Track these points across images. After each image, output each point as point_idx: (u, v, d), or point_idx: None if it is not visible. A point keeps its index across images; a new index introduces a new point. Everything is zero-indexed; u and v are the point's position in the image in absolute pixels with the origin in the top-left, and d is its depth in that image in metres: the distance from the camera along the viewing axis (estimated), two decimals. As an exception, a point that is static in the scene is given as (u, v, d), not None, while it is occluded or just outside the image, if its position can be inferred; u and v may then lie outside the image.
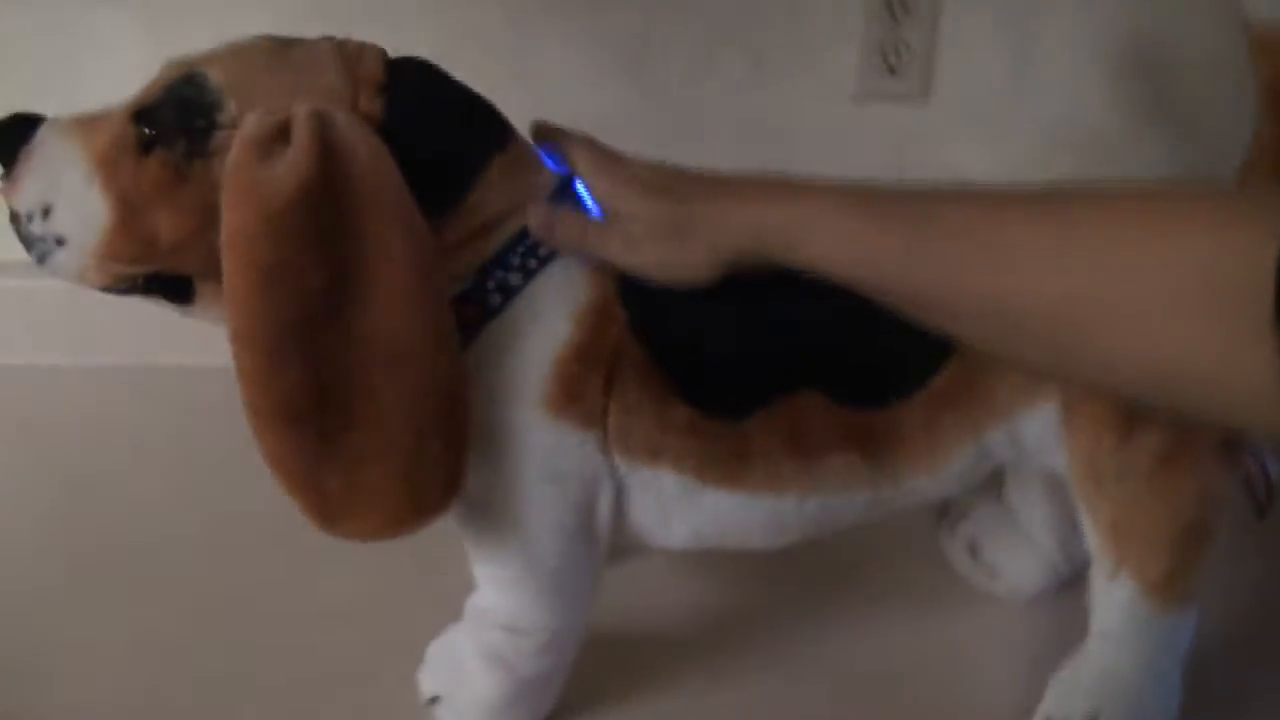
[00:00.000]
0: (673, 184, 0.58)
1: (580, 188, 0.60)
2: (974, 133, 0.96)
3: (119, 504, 0.83)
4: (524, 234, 0.57)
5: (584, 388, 0.56)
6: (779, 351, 0.58)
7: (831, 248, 0.53)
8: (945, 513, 0.77)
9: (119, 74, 0.57)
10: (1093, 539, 0.61)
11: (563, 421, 0.56)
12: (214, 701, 0.66)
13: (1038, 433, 0.59)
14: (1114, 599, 0.61)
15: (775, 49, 0.94)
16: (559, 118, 0.95)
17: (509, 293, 0.57)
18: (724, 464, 0.58)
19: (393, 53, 0.57)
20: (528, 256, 0.57)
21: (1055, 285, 0.46)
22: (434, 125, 0.55)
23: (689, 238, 0.56)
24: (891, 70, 0.93)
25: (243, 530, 0.55)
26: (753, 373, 0.58)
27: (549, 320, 0.56)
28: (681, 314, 0.58)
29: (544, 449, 0.56)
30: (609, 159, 0.60)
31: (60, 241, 0.55)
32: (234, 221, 0.51)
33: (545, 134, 0.61)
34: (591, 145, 0.60)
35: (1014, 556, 0.73)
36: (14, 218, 0.55)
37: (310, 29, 0.90)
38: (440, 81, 0.57)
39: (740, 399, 0.58)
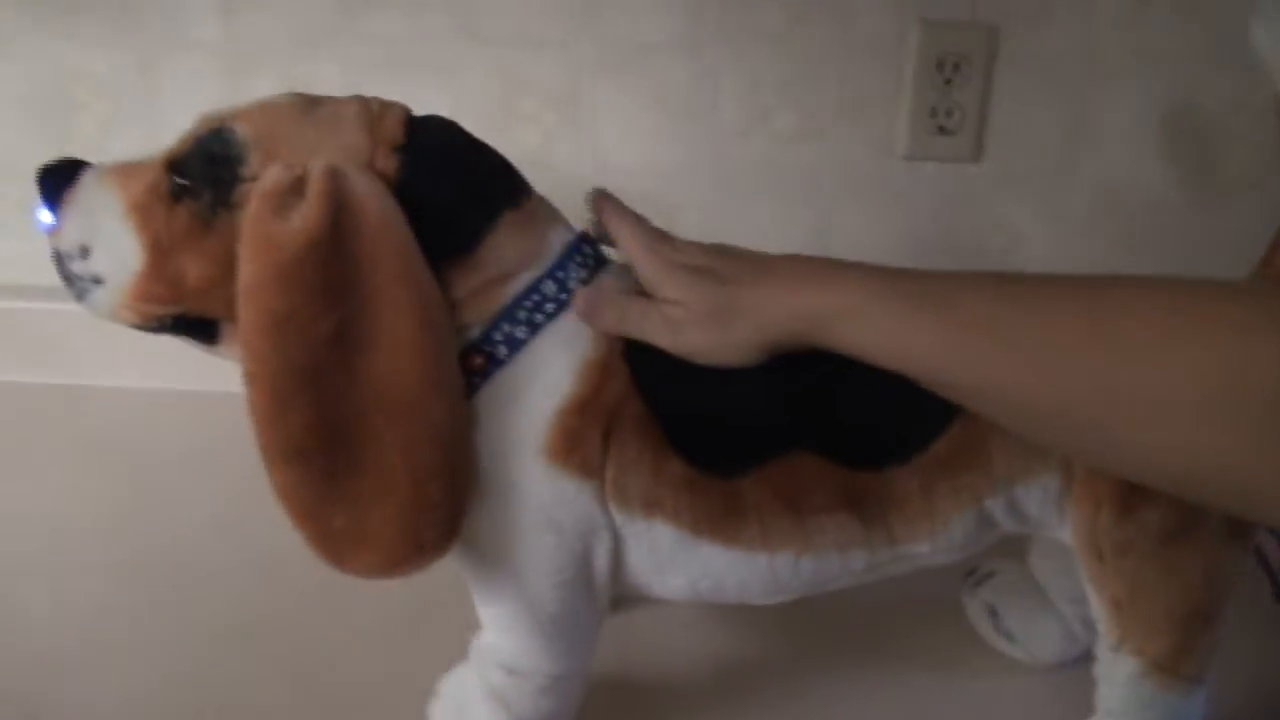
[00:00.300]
0: (717, 268, 0.59)
1: (594, 245, 0.62)
2: (1025, 195, 0.96)
3: (168, 521, 0.87)
4: (532, 289, 0.59)
5: (583, 440, 0.58)
6: (776, 412, 0.59)
7: (866, 336, 0.54)
8: (970, 573, 0.76)
9: (195, 113, 0.60)
10: (1096, 613, 0.60)
11: (562, 472, 0.58)
12: (226, 713, 0.69)
13: (1038, 503, 0.59)
14: (1117, 675, 0.60)
15: (826, 106, 0.95)
16: (612, 167, 0.98)
17: (515, 345, 0.58)
18: (718, 519, 0.58)
19: (451, 102, 0.60)
20: (534, 311, 0.59)
21: (1082, 382, 0.46)
22: (446, 183, 0.58)
23: (732, 323, 0.57)
24: (943, 130, 0.93)
25: (284, 555, 0.59)
26: (749, 432, 0.59)
27: (552, 373, 0.58)
28: (682, 372, 0.59)
29: (543, 498, 0.58)
30: (655, 240, 0.61)
31: (97, 281, 0.59)
32: (248, 270, 0.54)
33: (599, 204, 0.63)
34: (639, 224, 0.62)
35: (1034, 623, 0.72)
36: (55, 256, 0.59)
37: (375, 79, 0.95)
38: (457, 141, 0.60)
39: (735, 457, 0.58)
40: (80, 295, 0.59)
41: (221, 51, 0.98)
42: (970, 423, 0.58)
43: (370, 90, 0.60)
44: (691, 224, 0.99)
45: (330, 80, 0.94)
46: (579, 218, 0.63)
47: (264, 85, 0.59)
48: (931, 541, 0.60)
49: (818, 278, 0.56)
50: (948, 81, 0.92)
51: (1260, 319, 0.43)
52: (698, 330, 0.57)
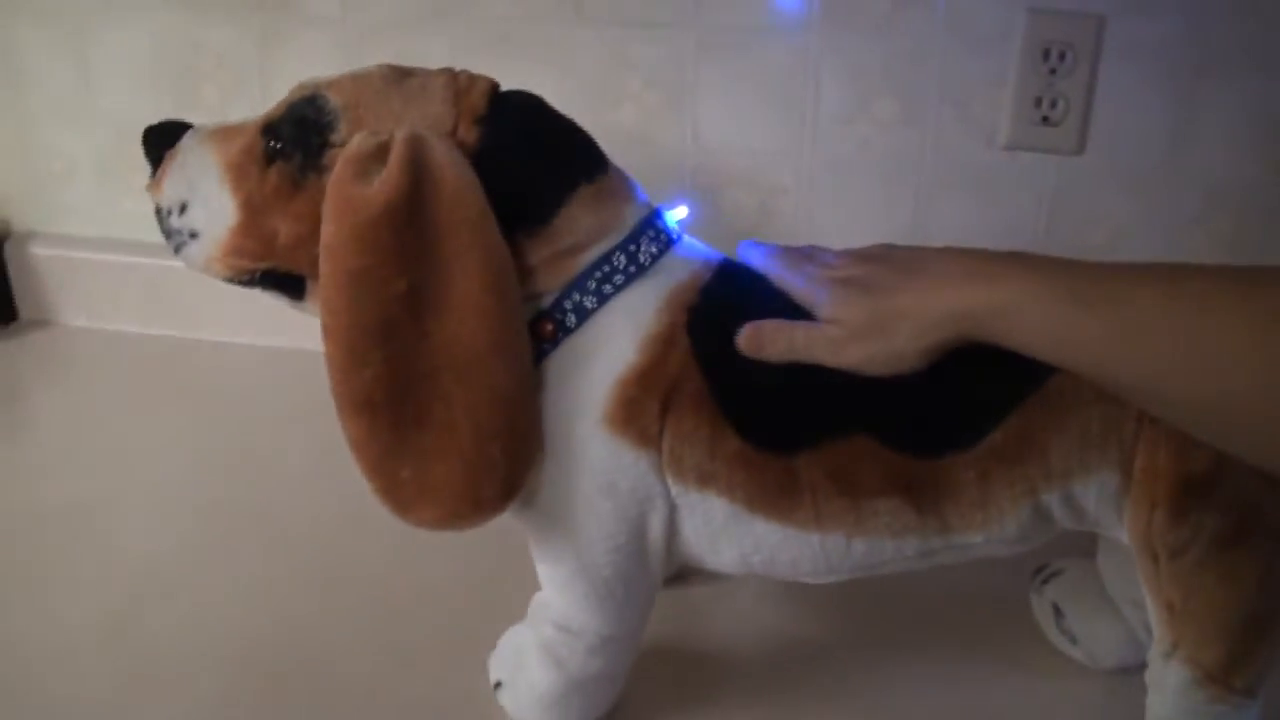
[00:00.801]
0: (868, 277, 0.59)
1: (665, 216, 0.63)
2: (1129, 189, 0.93)
3: (260, 471, 0.93)
4: (603, 260, 0.60)
5: (641, 410, 0.59)
6: (835, 394, 0.59)
7: (1033, 335, 0.54)
8: (1039, 570, 0.76)
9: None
10: (1151, 616, 0.59)
11: (620, 440, 0.59)
12: (305, 657, 0.72)
13: (1095, 500, 0.58)
14: (1168, 684, 0.59)
15: (928, 94, 0.94)
16: (712, 148, 0.99)
17: (583, 315, 0.60)
18: (772, 497, 0.59)
19: (556, 80, 0.61)
20: (604, 282, 0.60)
21: (1256, 379, 0.46)
22: (524, 155, 0.60)
23: (891, 333, 0.57)
24: (1046, 120, 0.92)
25: (367, 511, 0.62)
26: (807, 412, 0.60)
27: (616, 343, 0.60)
28: (744, 349, 0.60)
29: (601, 463, 0.60)
30: (799, 260, 0.63)
31: (194, 235, 0.62)
32: (329, 230, 0.56)
33: (749, 251, 0.65)
34: (781, 252, 0.64)
35: (1096, 625, 0.71)
36: (156, 211, 0.63)
37: (484, 57, 0.98)
38: (538, 115, 0.61)
39: (791, 436, 0.59)
40: (177, 248, 0.63)
41: (338, 28, 1.02)
42: (1028, 415, 0.57)
43: (478, 68, 0.62)
44: (788, 208, 1.00)
45: (440, 57, 0.97)
46: (676, 193, 0.64)
47: (377, 61, 0.62)
48: (985, 532, 0.60)
49: (977, 275, 0.55)
50: (1052, 71, 0.90)
51: None
52: (858, 344, 0.58)
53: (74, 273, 1.14)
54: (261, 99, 1.04)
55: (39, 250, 1.14)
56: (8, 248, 1.15)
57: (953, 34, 0.92)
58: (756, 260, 0.65)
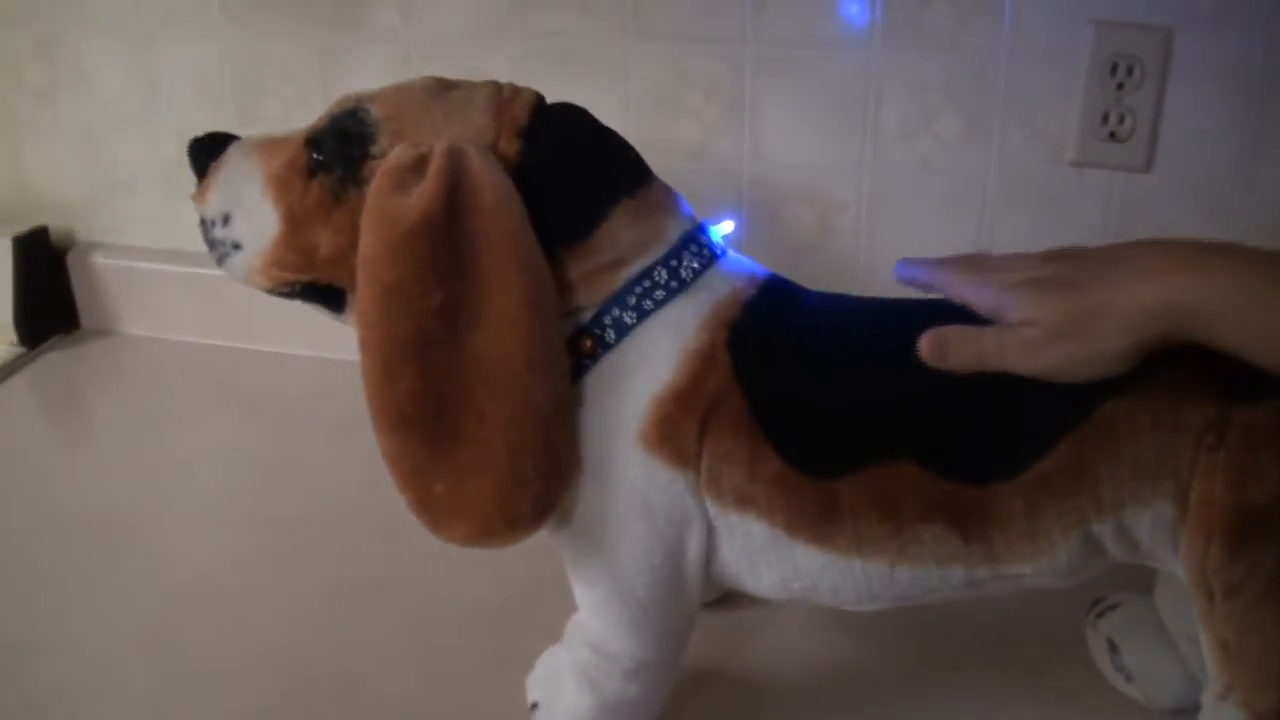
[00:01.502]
0: (1062, 274, 0.56)
1: (710, 231, 0.62)
2: (1199, 207, 0.90)
3: (310, 483, 0.93)
4: (644, 275, 0.59)
5: (678, 430, 0.58)
6: (879, 417, 0.58)
7: (1249, 331, 0.50)
8: (1095, 604, 0.73)
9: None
10: (1206, 655, 0.56)
11: (656, 459, 0.58)
12: (342, 672, 0.72)
13: (1149, 532, 0.56)
14: (1222, 725, 0.56)
15: (992, 109, 0.92)
16: (773, 162, 0.98)
17: (622, 330, 0.59)
18: (813, 521, 0.58)
19: (617, 95, 0.60)
20: (644, 298, 0.59)
21: None
22: (565, 168, 0.59)
23: (1093, 330, 0.53)
24: (1113, 136, 0.89)
25: (412, 526, 0.63)
26: (849, 435, 0.58)
27: (654, 361, 0.59)
28: (786, 369, 0.59)
29: (637, 483, 0.59)
30: (976, 267, 0.60)
31: (237, 246, 0.63)
32: (366, 242, 0.56)
33: (910, 267, 0.62)
34: (951, 262, 0.60)
35: (1153, 662, 0.68)
36: (201, 222, 0.63)
37: (541, 69, 0.98)
38: (581, 127, 0.61)
39: (833, 459, 0.57)
40: (220, 259, 0.64)
41: (400, 41, 1.02)
42: (1078, 443, 0.55)
43: (539, 83, 0.62)
44: (848, 224, 0.98)
45: (501, 71, 0.97)
46: (733, 208, 0.62)
47: (438, 74, 0.62)
48: (1035, 563, 0.57)
49: (1187, 266, 0.52)
50: (1120, 86, 0.87)
51: None
52: (1057, 346, 0.54)
53: (135, 283, 1.16)
54: (323, 112, 1.04)
55: (101, 260, 1.16)
56: (71, 257, 1.17)
57: (1018, 49, 0.90)
58: (919, 274, 0.61)
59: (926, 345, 0.56)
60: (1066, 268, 0.55)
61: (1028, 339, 0.54)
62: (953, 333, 0.56)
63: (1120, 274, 0.53)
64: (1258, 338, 0.49)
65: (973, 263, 0.60)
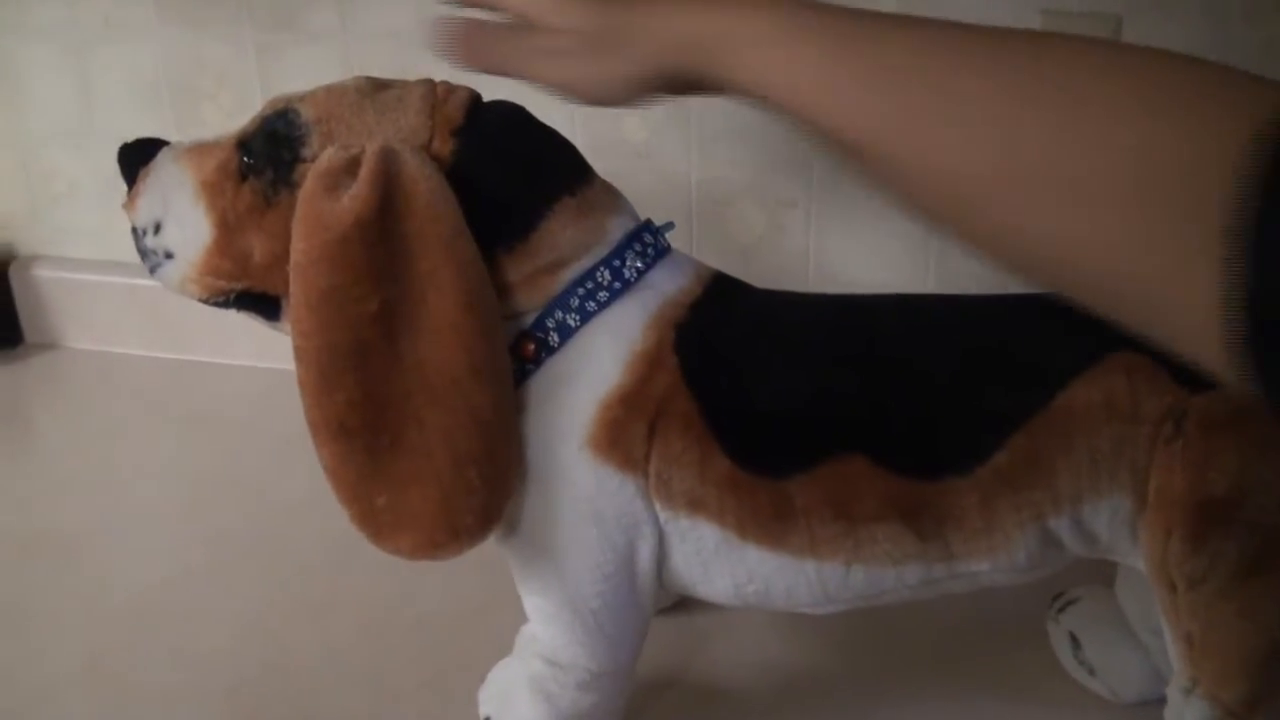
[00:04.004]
0: None
1: (654, 229, 0.61)
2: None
3: (259, 497, 0.91)
4: (587, 276, 0.58)
5: (626, 433, 0.56)
6: (829, 414, 0.57)
7: (768, 71, 0.47)
8: (1056, 598, 0.72)
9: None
10: (1170, 650, 0.56)
11: (604, 464, 0.57)
12: (293, 690, 0.70)
13: (1107, 525, 0.55)
14: (1187, 718, 0.55)
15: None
16: (717, 160, 0.95)
17: (566, 333, 0.58)
18: (765, 522, 0.56)
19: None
20: (587, 299, 0.58)
21: (992, 153, 0.41)
22: (501, 167, 0.57)
23: (616, 50, 0.51)
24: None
25: (358, 538, 0.62)
26: (799, 433, 0.57)
27: (599, 363, 0.57)
28: (734, 369, 0.57)
29: (585, 489, 0.57)
30: None
31: (169, 255, 0.61)
32: (298, 248, 0.54)
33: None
34: None
35: (1116, 656, 0.67)
36: (133, 230, 0.61)
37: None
38: (518, 125, 0.59)
39: (784, 458, 0.56)
40: (153, 269, 0.62)
41: (338, 41, 1.00)
42: (1033, 435, 0.54)
43: (478, 80, 0.60)
44: (797, 223, 0.97)
45: (440, 71, 0.95)
46: (682, 208, 0.60)
47: (378, 74, 0.60)
48: (992, 560, 0.56)
49: (728, 2, 0.48)
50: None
51: (1181, 97, 0.37)
52: (578, 60, 0.51)
53: (78, 296, 1.13)
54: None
55: (43, 273, 1.13)
56: (12, 271, 1.14)
57: (965, 39, 0.89)
58: None
59: (445, 37, 0.53)
60: None
61: (552, 47, 0.52)
62: (478, 33, 0.53)
63: (661, 2, 0.50)
64: (783, 79, 0.47)
65: None
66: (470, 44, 0.54)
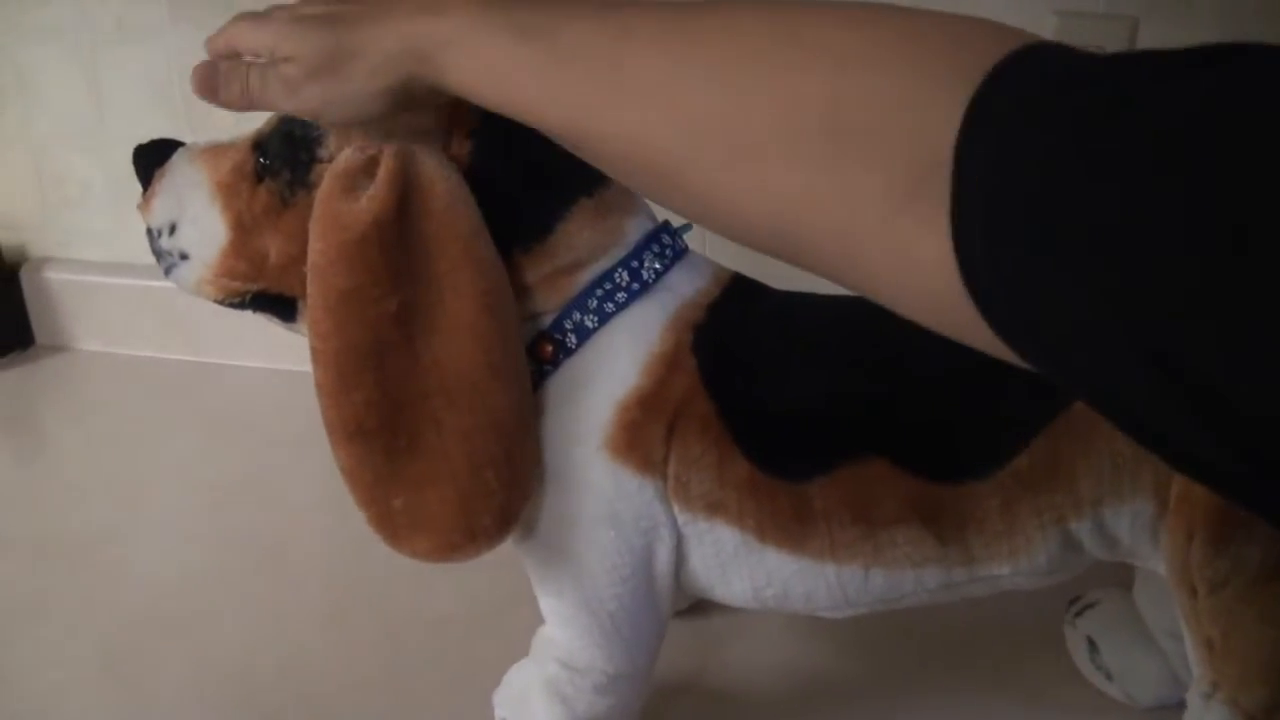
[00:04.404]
0: (331, 12, 0.53)
1: (671, 230, 0.60)
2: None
3: (274, 498, 0.90)
4: (605, 277, 0.58)
5: (644, 435, 0.56)
6: (849, 416, 0.56)
7: (475, 71, 0.48)
8: (1073, 601, 0.72)
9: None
10: (1190, 653, 0.55)
11: (622, 466, 0.56)
12: (308, 692, 0.70)
13: (1128, 529, 0.55)
14: (1207, 723, 0.55)
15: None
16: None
17: (584, 335, 0.57)
18: (784, 525, 0.56)
19: None
20: (605, 300, 0.58)
21: (666, 115, 0.42)
22: (519, 168, 0.57)
23: (346, 69, 0.51)
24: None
25: (373, 539, 0.61)
26: (819, 435, 0.56)
27: (618, 365, 0.57)
28: (753, 370, 0.57)
29: (603, 491, 0.57)
30: (268, 11, 0.56)
31: (184, 256, 0.60)
32: (316, 249, 0.54)
33: (212, 47, 0.57)
34: (246, 14, 0.56)
35: (1133, 660, 0.67)
36: (147, 232, 0.61)
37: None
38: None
39: (804, 461, 0.56)
40: (168, 270, 0.61)
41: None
42: (1054, 439, 0.54)
43: None
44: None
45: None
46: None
47: None
48: (1012, 563, 0.56)
49: (431, 7, 0.50)
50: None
51: (869, 45, 0.37)
52: (314, 84, 0.52)
53: (89, 298, 1.13)
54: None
55: (54, 275, 1.13)
56: (23, 273, 1.14)
57: (980, 41, 0.89)
58: (217, 44, 0.57)
59: (197, 80, 0.54)
60: (342, 7, 0.53)
61: (288, 75, 0.52)
62: (224, 66, 0.54)
63: (377, 16, 0.51)
64: (483, 77, 0.48)
65: (263, 12, 0.56)
66: (216, 84, 0.55)
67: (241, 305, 0.61)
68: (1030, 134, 0.33)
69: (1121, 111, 0.31)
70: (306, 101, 0.53)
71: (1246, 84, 0.29)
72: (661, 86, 0.42)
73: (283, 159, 0.58)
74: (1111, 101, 0.31)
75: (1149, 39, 0.85)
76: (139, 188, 0.62)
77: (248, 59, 0.55)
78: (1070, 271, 0.31)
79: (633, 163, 0.45)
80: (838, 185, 0.38)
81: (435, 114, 0.57)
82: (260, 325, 0.64)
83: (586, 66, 0.45)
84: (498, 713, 0.65)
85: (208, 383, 1.09)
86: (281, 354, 1.07)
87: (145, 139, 0.64)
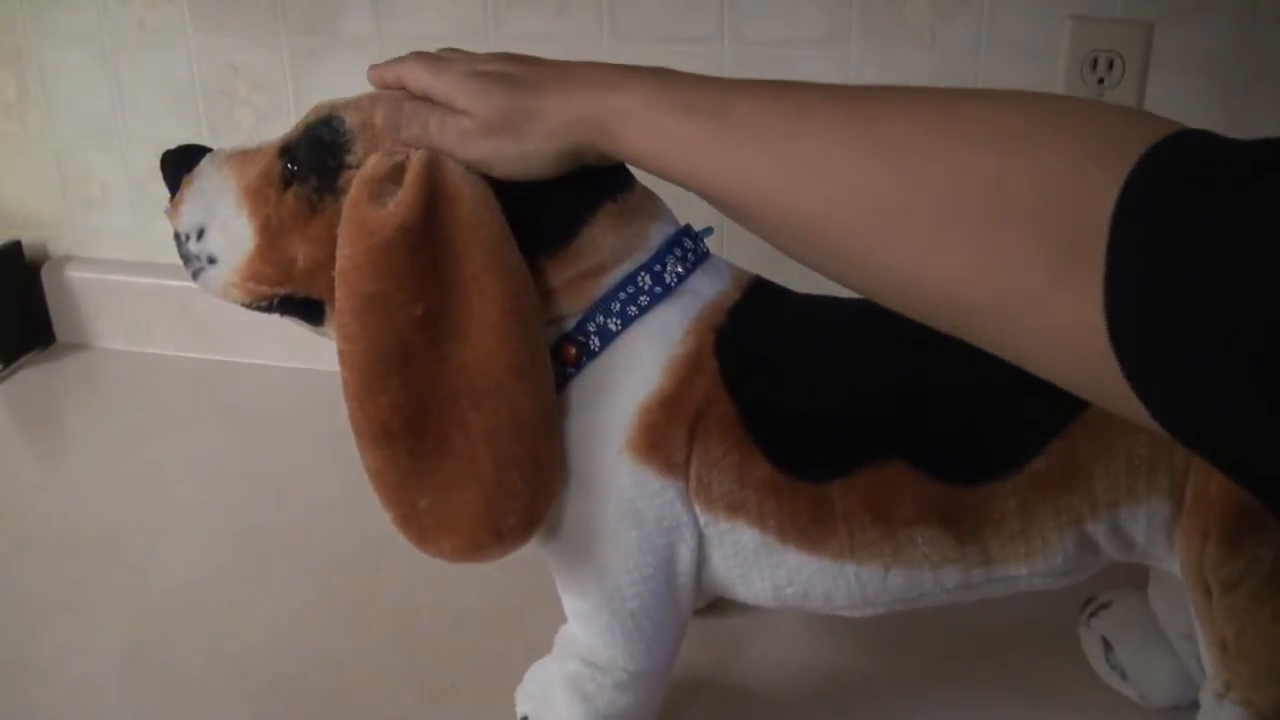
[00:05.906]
0: (514, 72, 0.56)
1: (693, 235, 0.61)
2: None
3: (294, 496, 0.91)
4: (628, 280, 0.59)
5: (666, 437, 0.57)
6: (869, 418, 0.57)
7: (644, 142, 0.52)
8: (1087, 602, 0.72)
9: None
10: (1203, 653, 0.56)
11: (645, 467, 0.57)
12: (331, 689, 0.71)
13: (1144, 530, 0.55)
14: (1221, 723, 0.56)
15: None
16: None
17: (607, 337, 0.58)
18: (805, 526, 0.57)
19: None
20: (629, 304, 0.58)
21: (836, 189, 0.44)
22: (544, 173, 0.58)
23: (523, 130, 0.55)
24: (1094, 132, 0.89)
25: (395, 537, 0.62)
26: (840, 437, 0.57)
27: (641, 367, 0.58)
28: (774, 372, 0.58)
29: (626, 492, 0.58)
30: (444, 56, 0.60)
31: (212, 260, 0.61)
32: (344, 254, 0.55)
33: (380, 76, 0.61)
34: (421, 54, 0.60)
35: (1148, 660, 0.67)
36: (175, 236, 0.62)
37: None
38: (559, 131, 0.60)
39: (824, 462, 0.57)
40: (196, 274, 0.62)
41: (373, 47, 1.01)
42: (1071, 441, 0.55)
43: None
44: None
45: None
46: (698, 212, 0.61)
47: None
48: (1030, 564, 0.57)
49: (605, 82, 0.54)
50: (1100, 81, 0.87)
51: (1031, 126, 0.39)
52: (488, 139, 0.55)
53: (110, 296, 1.14)
54: (296, 121, 1.03)
55: (75, 274, 1.15)
56: (44, 271, 1.15)
57: (996, 45, 0.89)
58: (385, 73, 0.60)
59: (383, 116, 0.58)
60: (519, 68, 0.57)
61: (465, 128, 0.55)
62: (409, 105, 0.57)
63: (559, 83, 0.55)
64: (651, 148, 0.51)
65: (439, 56, 0.60)
66: (399, 122, 0.58)
67: (268, 309, 0.62)
68: (1187, 210, 0.34)
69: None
70: (478, 154, 0.56)
71: None
72: (837, 162, 0.45)
73: (310, 165, 0.59)
74: (1271, 181, 0.33)
75: (1164, 44, 0.85)
76: (159, 188, 0.63)
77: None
78: (1222, 345, 0.33)
79: (804, 235, 0.48)
80: (1003, 256, 0.40)
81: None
82: (280, 324, 0.65)
83: (760, 142, 0.48)
84: (519, 709, 0.66)
85: (228, 380, 1.10)
86: (301, 352, 1.08)
87: (164, 139, 0.65)
